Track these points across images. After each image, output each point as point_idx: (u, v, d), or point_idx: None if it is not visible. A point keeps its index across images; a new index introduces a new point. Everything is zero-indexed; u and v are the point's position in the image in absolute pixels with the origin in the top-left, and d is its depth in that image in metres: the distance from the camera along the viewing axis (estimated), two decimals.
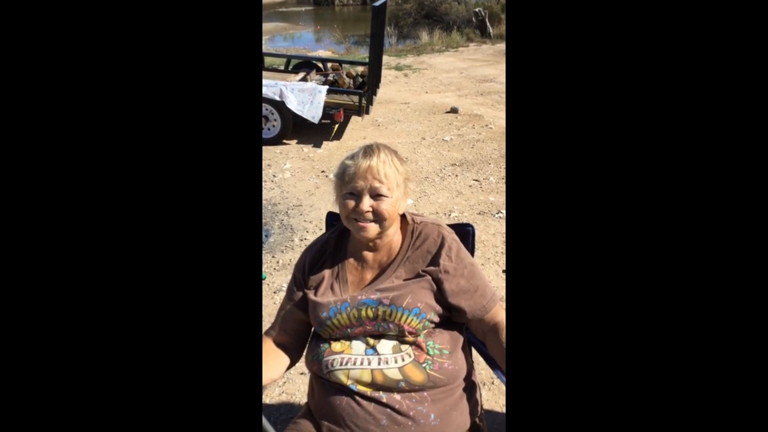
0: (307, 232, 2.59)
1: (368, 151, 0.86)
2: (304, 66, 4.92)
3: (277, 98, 3.63)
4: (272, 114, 3.76)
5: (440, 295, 0.85)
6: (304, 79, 4.27)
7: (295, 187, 3.14)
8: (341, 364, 0.82)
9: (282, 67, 4.96)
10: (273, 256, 2.38)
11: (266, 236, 2.20)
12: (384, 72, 5.90)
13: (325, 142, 3.92)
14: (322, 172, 3.38)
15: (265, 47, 9.43)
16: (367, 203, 0.83)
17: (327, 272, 0.91)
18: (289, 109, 3.67)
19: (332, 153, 3.73)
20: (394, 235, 0.90)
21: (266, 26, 12.96)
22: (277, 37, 11.98)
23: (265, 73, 4.42)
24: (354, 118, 4.43)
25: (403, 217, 0.93)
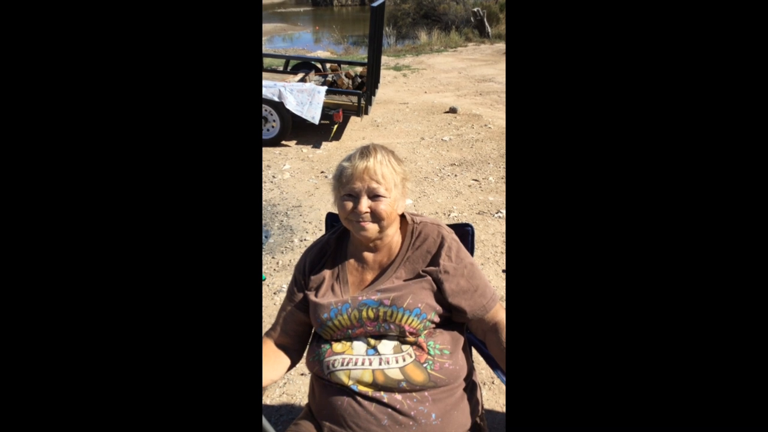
0: (306, 232, 2.59)
1: (365, 152, 0.86)
2: (303, 67, 4.93)
3: (276, 99, 3.63)
4: (271, 115, 3.76)
5: (440, 295, 0.85)
6: (303, 80, 4.27)
7: (295, 188, 3.14)
8: (342, 365, 0.82)
9: (281, 68, 4.96)
10: (273, 257, 2.38)
11: (266, 237, 2.20)
12: (383, 72, 5.90)
13: (324, 143, 3.92)
14: (322, 172, 3.38)
15: (264, 48, 9.43)
16: (365, 204, 0.83)
17: (327, 273, 0.91)
18: (288, 110, 3.67)
19: (331, 153, 3.73)
20: (393, 235, 0.90)
21: (265, 27, 12.96)
22: (275, 38, 11.98)
23: (264, 74, 4.41)
24: (353, 119, 4.44)
25: (402, 217, 0.93)
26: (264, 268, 2.28)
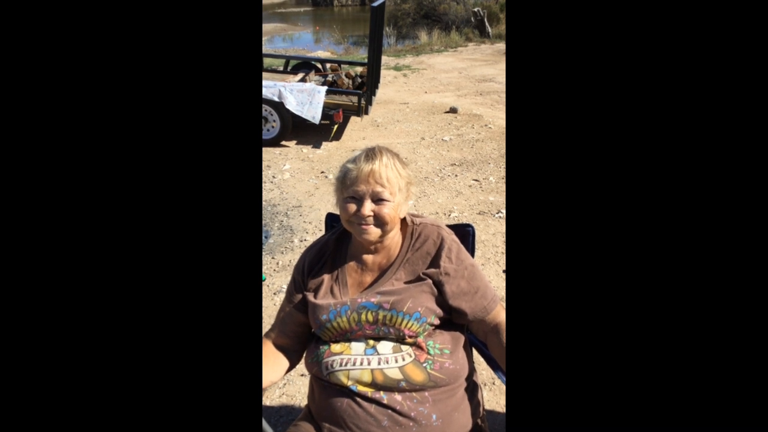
0: (306, 233, 2.59)
1: (370, 154, 0.85)
2: (303, 67, 4.92)
3: (276, 99, 3.63)
4: (271, 115, 3.76)
5: (441, 298, 0.85)
6: (303, 80, 4.27)
7: (295, 188, 3.14)
8: (341, 365, 0.82)
9: (281, 68, 4.96)
10: (273, 258, 2.37)
11: (266, 237, 2.20)
12: (383, 72, 5.90)
13: (324, 143, 3.92)
14: (322, 173, 3.37)
15: (264, 48, 9.42)
16: (368, 207, 0.83)
17: (326, 275, 0.91)
18: (288, 110, 3.67)
19: (331, 154, 3.73)
20: (393, 237, 0.90)
21: (265, 27, 12.97)
22: (276, 38, 11.98)
23: (264, 74, 4.41)
24: (353, 119, 4.43)
25: (402, 218, 0.93)
26: (264, 268, 2.27)
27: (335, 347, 0.85)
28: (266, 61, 5.05)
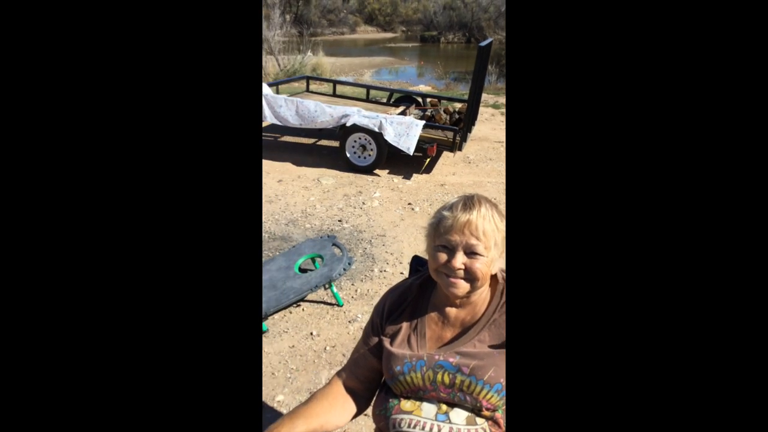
0: (387, 263, 2.60)
1: (468, 203, 0.81)
2: (404, 100, 5.12)
3: (377, 130, 3.80)
4: (369, 144, 3.93)
5: None
6: (403, 113, 4.42)
7: (381, 217, 3.20)
8: (409, 426, 0.77)
9: (384, 100, 5.21)
10: (352, 284, 2.42)
11: (349, 264, 2.26)
12: (480, 109, 5.87)
13: (415, 175, 3.97)
14: (408, 204, 3.40)
15: (371, 80, 10.05)
16: (460, 260, 0.79)
17: (405, 322, 0.88)
18: (385, 141, 3.81)
19: (420, 186, 3.76)
20: (482, 293, 0.84)
21: (374, 60, 13.92)
22: (383, 70, 12.72)
23: (367, 105, 4.67)
24: (446, 153, 4.44)
25: (493, 274, 0.87)
26: (343, 294, 2.32)
27: (405, 404, 0.81)
28: (372, 93, 5.38)
